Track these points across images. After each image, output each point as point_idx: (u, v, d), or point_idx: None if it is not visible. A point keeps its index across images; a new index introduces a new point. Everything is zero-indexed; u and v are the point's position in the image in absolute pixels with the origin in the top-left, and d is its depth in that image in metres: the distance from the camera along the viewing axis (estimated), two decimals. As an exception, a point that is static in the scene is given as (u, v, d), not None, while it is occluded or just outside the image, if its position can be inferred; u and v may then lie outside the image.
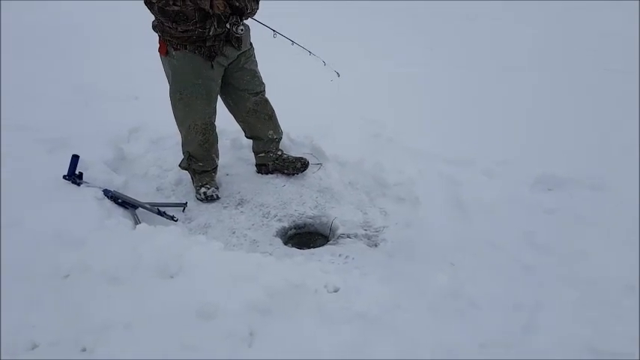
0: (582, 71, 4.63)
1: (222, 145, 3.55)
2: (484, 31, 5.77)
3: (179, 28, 2.63)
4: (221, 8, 2.56)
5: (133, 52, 4.60)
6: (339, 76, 3.32)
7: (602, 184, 3.19)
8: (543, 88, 4.35)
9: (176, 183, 3.30)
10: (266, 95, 3.15)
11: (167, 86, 2.92)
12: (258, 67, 3.10)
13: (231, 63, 2.89)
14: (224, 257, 2.14)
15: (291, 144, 3.62)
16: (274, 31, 3.00)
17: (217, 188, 3.17)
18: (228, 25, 2.64)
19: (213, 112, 2.99)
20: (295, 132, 3.65)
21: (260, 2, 2.81)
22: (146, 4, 2.65)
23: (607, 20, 5.72)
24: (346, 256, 2.61)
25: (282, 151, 3.35)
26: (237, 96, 3.05)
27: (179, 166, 3.23)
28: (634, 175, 3.23)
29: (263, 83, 3.11)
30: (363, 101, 4.16)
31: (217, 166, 3.20)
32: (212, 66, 2.78)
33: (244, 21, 2.76)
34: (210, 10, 2.55)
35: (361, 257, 2.62)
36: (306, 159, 3.30)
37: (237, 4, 2.64)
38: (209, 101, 2.91)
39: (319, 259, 2.57)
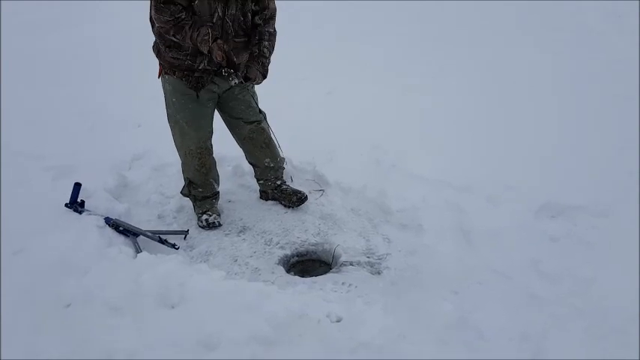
0: (588, 96, 4.63)
1: (224, 171, 3.56)
2: (491, 53, 5.78)
3: (170, 54, 2.69)
4: (219, 59, 2.60)
5: (137, 77, 4.63)
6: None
7: (606, 211, 3.16)
8: (548, 113, 4.34)
9: (178, 210, 3.28)
10: (266, 122, 3.14)
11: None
12: (257, 95, 3.09)
13: (225, 91, 2.90)
14: (225, 286, 2.11)
15: (294, 170, 3.61)
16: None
17: (219, 215, 3.15)
18: (224, 72, 2.67)
19: (207, 137, 3.00)
20: (298, 158, 3.65)
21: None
22: (150, 21, 2.70)
23: (615, 47, 5.75)
24: (349, 285, 2.58)
25: (282, 180, 3.33)
26: (233, 123, 3.07)
27: (181, 192, 3.23)
28: (638, 202, 3.21)
29: (260, 113, 3.09)
30: (366, 126, 4.15)
31: (218, 192, 3.19)
32: (198, 96, 2.80)
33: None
34: (208, 55, 2.60)
35: (364, 285, 2.59)
36: (304, 193, 3.28)
37: (236, 60, 2.68)
38: (201, 126, 2.93)
39: (321, 287, 2.54)
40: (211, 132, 3.03)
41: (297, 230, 3.10)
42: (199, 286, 2.07)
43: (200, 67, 2.69)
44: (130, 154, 3.83)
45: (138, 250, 2.73)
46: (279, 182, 3.30)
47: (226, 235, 3.06)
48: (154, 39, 2.83)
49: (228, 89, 2.89)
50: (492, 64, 5.43)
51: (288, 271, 2.79)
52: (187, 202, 3.31)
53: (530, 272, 2.70)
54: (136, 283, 2.11)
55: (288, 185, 3.34)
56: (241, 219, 3.22)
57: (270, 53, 2.85)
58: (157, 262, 2.27)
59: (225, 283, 2.17)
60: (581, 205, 3.21)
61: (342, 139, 3.91)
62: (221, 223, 3.12)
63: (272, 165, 3.22)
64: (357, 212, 3.28)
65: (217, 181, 3.19)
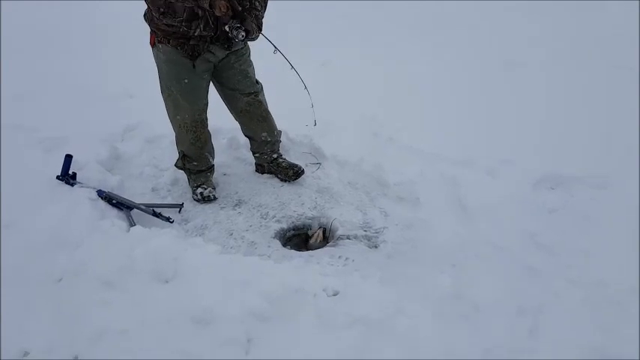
0: (587, 67, 4.56)
1: (219, 144, 3.50)
2: (487, 26, 5.69)
3: (164, 21, 2.55)
4: (223, 10, 2.42)
5: (128, 48, 4.52)
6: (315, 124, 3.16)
7: (605, 183, 3.15)
8: (547, 84, 4.29)
9: (172, 183, 3.23)
10: (263, 95, 3.06)
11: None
12: (253, 66, 2.99)
13: (221, 60, 2.80)
14: (220, 261, 2.08)
15: (290, 143, 3.56)
16: (275, 47, 2.80)
17: (214, 188, 3.11)
18: (227, 28, 2.53)
19: (202, 109, 2.92)
20: (294, 131, 3.59)
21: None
22: None
23: (613, 17, 5.65)
24: (346, 258, 2.56)
25: (278, 154, 3.28)
26: (229, 95, 2.97)
27: (175, 165, 3.17)
28: (637, 174, 3.18)
29: (257, 84, 3.00)
30: (363, 99, 4.10)
31: (213, 165, 3.14)
32: (194, 66, 2.69)
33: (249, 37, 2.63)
34: (210, 11, 2.46)
35: (361, 259, 2.56)
36: (300, 167, 3.23)
37: (241, 8, 2.53)
38: (196, 98, 2.83)
39: (318, 261, 2.51)
40: (206, 104, 2.95)
41: (294, 204, 3.06)
42: (193, 261, 2.04)
43: (196, 34, 2.56)
44: (123, 126, 3.75)
45: (132, 224, 2.69)
46: (275, 156, 3.24)
47: (222, 208, 3.02)
48: (145, 6, 2.73)
49: (224, 58, 2.79)
50: (489, 35, 5.34)
51: (284, 245, 2.76)
52: (182, 175, 3.26)
53: (527, 245, 2.69)
54: (129, 258, 2.07)
55: (285, 159, 3.29)
56: (237, 192, 3.18)
57: (263, 8, 2.69)
58: (150, 236, 2.23)
59: (220, 257, 2.14)
60: (580, 176, 3.19)
61: (338, 111, 3.84)
62: (216, 196, 3.08)
63: (269, 139, 3.16)
64: (354, 186, 3.24)
65: (212, 155, 3.13)
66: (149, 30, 2.76)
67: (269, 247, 2.66)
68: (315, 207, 3.04)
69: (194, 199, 3.07)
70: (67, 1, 6.83)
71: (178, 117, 2.89)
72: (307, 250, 2.74)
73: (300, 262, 2.38)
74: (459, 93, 4.17)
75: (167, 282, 1.99)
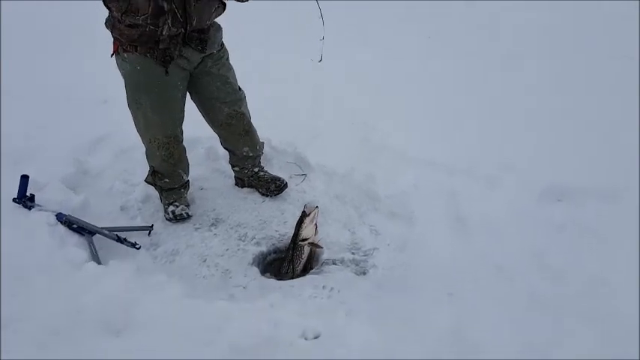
0: (592, 61, 4.27)
1: (196, 154, 3.22)
2: (484, 17, 5.38)
3: (127, 21, 2.23)
4: None
5: (105, 50, 4.23)
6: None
7: (616, 195, 2.88)
8: (549, 82, 4.00)
9: (143, 200, 2.95)
10: (245, 106, 2.76)
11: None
12: (234, 71, 2.67)
13: (197, 67, 2.51)
14: (182, 308, 1.81)
15: (273, 152, 3.28)
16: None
17: (188, 206, 2.83)
18: None
19: (177, 124, 2.63)
20: (277, 138, 3.31)
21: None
22: None
23: (613, 5, 5.34)
24: (331, 288, 2.29)
25: (260, 167, 3.00)
26: (208, 105, 2.66)
27: (145, 180, 2.89)
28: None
29: (238, 91, 2.70)
30: (351, 100, 3.80)
31: (187, 181, 2.86)
32: (167, 72, 2.38)
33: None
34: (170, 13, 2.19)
35: (347, 289, 2.29)
36: (283, 180, 2.95)
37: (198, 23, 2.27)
38: (170, 111, 2.54)
39: (300, 293, 2.25)
40: (182, 118, 2.64)
41: (276, 222, 2.79)
42: (150, 308, 1.77)
43: (164, 33, 2.26)
44: (93, 135, 3.46)
45: (93, 252, 2.42)
46: (256, 169, 2.97)
47: (196, 229, 2.74)
48: (106, 13, 2.42)
49: (200, 63, 2.48)
50: (489, 32, 5.02)
51: (263, 272, 2.49)
52: (154, 190, 2.98)
53: (533, 267, 2.43)
54: (78, 303, 1.80)
55: (266, 171, 3.01)
56: (214, 209, 2.90)
57: None
58: (103, 276, 1.96)
59: (182, 303, 1.86)
60: (588, 187, 2.93)
61: (325, 114, 3.56)
62: (190, 214, 2.80)
63: (251, 154, 2.88)
64: (342, 199, 2.96)
65: (187, 171, 2.84)
66: (111, 39, 2.45)
67: (245, 276, 2.39)
68: (299, 225, 2.77)
69: (166, 219, 2.80)
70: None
71: (149, 132, 2.60)
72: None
73: (278, 298, 2.11)
74: (456, 94, 3.88)
75: (118, 334, 1.73)
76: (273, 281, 2.38)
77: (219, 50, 2.55)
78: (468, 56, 4.54)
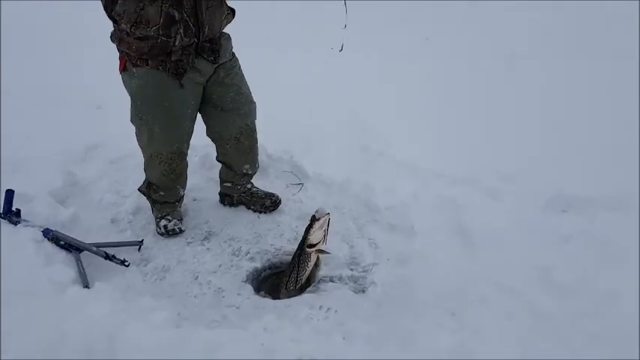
0: (595, 61, 4.15)
1: (191, 162, 3.07)
2: (486, 17, 5.27)
3: (137, 33, 2.12)
4: None
5: (100, 53, 4.11)
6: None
7: (623, 204, 2.77)
8: (552, 85, 3.89)
9: (134, 212, 2.85)
10: (255, 119, 2.64)
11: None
12: (246, 81, 2.54)
13: (209, 79, 2.37)
14: (166, 337, 1.70)
15: (269, 160, 3.18)
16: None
17: (181, 220, 2.73)
18: None
19: (184, 140, 2.48)
20: (272, 145, 3.21)
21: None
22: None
23: (616, 5, 5.22)
24: (327, 309, 2.19)
25: (252, 184, 2.90)
26: (222, 120, 2.52)
27: (138, 189, 2.78)
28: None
29: (252, 102, 2.58)
30: (350, 106, 3.70)
31: (183, 196, 2.76)
32: (181, 85, 2.26)
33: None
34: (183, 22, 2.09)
35: (346, 309, 2.19)
36: (277, 196, 2.85)
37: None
38: (178, 127, 2.40)
39: (295, 313, 2.14)
40: (191, 133, 2.51)
41: (271, 235, 2.69)
42: (136, 337, 1.67)
43: (177, 43, 2.14)
44: (84, 144, 3.37)
45: (80, 270, 2.32)
46: (249, 186, 2.86)
47: (188, 243, 2.64)
48: (112, 27, 2.31)
49: (213, 75, 2.36)
50: (491, 37, 4.90)
51: (257, 290, 2.39)
52: (146, 202, 2.89)
53: (538, 284, 2.32)
54: (60, 330, 1.70)
55: (258, 187, 2.90)
56: (207, 222, 2.80)
57: None
58: (88, 299, 1.86)
59: (169, 331, 1.76)
60: (594, 196, 2.82)
61: (323, 120, 3.46)
62: (183, 229, 2.70)
63: (250, 172, 2.77)
64: (340, 210, 2.86)
65: (184, 186, 2.72)
66: (117, 54, 2.30)
67: (239, 294, 2.29)
68: (297, 238, 2.65)
69: (158, 233, 2.70)
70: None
71: (152, 147, 2.46)
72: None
73: (272, 320, 2.00)
74: (457, 99, 3.77)
75: (100, 367, 1.63)
76: (267, 300, 2.27)
77: (231, 60, 2.44)
78: (470, 58, 4.42)
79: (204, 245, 2.63)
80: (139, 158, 2.93)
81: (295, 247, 2.60)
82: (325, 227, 2.32)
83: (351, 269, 2.46)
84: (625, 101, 3.71)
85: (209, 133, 2.64)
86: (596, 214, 2.72)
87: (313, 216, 2.30)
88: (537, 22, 5.00)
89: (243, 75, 2.53)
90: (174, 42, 2.14)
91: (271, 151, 3.21)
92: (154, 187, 2.65)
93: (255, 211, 2.84)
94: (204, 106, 2.47)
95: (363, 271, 2.45)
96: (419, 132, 3.36)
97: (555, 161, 3.09)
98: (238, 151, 2.66)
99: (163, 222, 2.67)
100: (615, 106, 3.66)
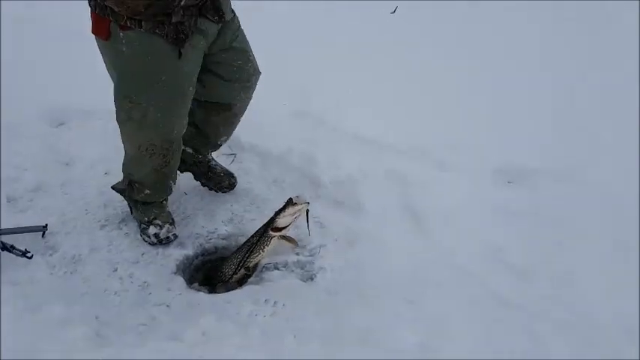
0: (553, 46, 4.04)
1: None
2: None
3: None
4: None
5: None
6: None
7: (569, 175, 2.72)
8: (504, 63, 3.69)
9: (35, 189, 2.39)
10: None
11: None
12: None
13: (213, 42, 1.91)
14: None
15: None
16: None
17: (172, 222, 2.21)
18: None
19: (183, 125, 2.02)
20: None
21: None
22: None
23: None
24: (274, 303, 1.92)
25: (212, 156, 2.49)
26: (220, 92, 2.10)
27: (112, 187, 2.25)
28: (605, 164, 2.78)
29: (259, 72, 2.15)
30: (288, 67, 3.32)
31: (172, 190, 2.27)
32: (180, 54, 1.78)
33: None
34: None
35: (294, 301, 1.93)
36: (236, 178, 2.48)
37: None
38: (179, 108, 1.93)
39: (238, 310, 1.86)
40: (187, 118, 2.04)
41: (202, 215, 2.35)
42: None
43: (182, 3, 1.67)
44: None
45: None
46: (210, 157, 2.46)
47: (102, 227, 2.23)
48: None
49: (217, 38, 1.90)
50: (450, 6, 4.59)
51: (190, 283, 2.07)
52: (50, 177, 2.44)
53: (495, 266, 2.20)
54: None
55: (217, 162, 2.50)
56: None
57: None
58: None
59: (86, 353, 1.41)
60: (539, 167, 2.74)
61: (258, 86, 3.09)
62: (177, 234, 2.20)
63: (223, 144, 2.41)
64: (280, 185, 2.58)
65: (175, 178, 2.25)
66: (93, 14, 1.75)
67: (169, 290, 1.96)
68: (231, 219, 2.37)
69: (144, 241, 2.18)
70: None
71: (143, 137, 1.96)
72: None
73: (212, 322, 1.72)
74: (406, 70, 3.48)
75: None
76: (203, 296, 1.96)
77: (233, 17, 1.98)
78: (422, 32, 4.10)
79: (121, 229, 2.23)
80: (46, 126, 2.47)
81: (229, 230, 2.31)
82: (297, 216, 2.02)
83: (297, 254, 2.20)
84: (584, 74, 3.62)
85: (195, 96, 2.07)
86: (544, 186, 2.64)
87: (290, 199, 1.99)
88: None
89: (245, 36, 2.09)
90: (179, 2, 1.67)
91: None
92: (138, 185, 2.15)
93: (210, 189, 2.45)
94: (200, 74, 1.97)
95: (310, 255, 2.20)
96: (364, 101, 3.09)
97: (503, 132, 2.97)
98: (225, 123, 2.26)
99: (153, 230, 2.15)
100: (564, 78, 3.56)
